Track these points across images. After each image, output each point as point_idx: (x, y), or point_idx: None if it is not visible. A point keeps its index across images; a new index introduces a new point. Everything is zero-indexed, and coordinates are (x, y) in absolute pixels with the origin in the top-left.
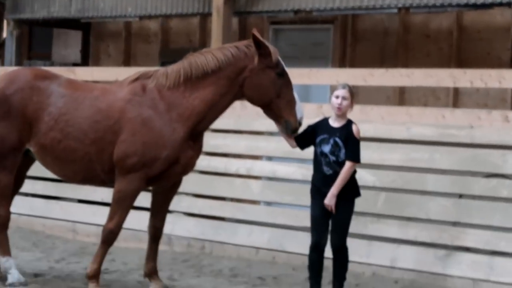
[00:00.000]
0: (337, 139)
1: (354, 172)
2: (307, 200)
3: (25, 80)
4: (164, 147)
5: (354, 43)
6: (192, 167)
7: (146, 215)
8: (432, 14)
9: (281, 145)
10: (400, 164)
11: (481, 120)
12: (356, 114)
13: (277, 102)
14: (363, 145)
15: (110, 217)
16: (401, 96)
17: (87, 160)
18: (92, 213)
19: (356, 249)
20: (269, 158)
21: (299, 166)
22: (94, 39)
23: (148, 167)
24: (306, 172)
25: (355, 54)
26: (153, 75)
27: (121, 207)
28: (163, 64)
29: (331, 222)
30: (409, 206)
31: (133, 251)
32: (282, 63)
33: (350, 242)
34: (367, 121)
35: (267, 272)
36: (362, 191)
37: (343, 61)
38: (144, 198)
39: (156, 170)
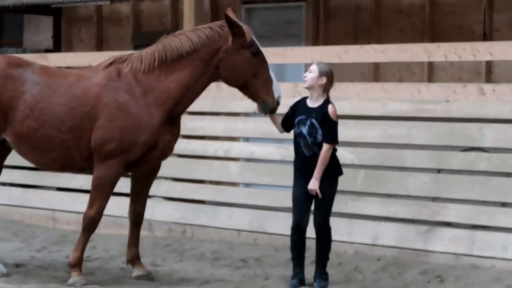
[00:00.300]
0: (313, 120)
1: (335, 150)
2: (286, 180)
3: None
4: (141, 131)
5: (327, 20)
6: (171, 151)
7: (126, 201)
8: None
9: (258, 125)
10: (378, 141)
11: (456, 94)
12: (332, 91)
13: (253, 82)
14: (340, 123)
15: (90, 204)
16: (376, 72)
17: (64, 148)
18: (72, 200)
19: (337, 228)
20: (246, 139)
21: (277, 146)
22: (66, 24)
23: (127, 153)
24: (285, 152)
25: (328, 31)
26: (127, 59)
27: (101, 194)
28: (136, 47)
29: (314, 202)
30: (388, 182)
31: (114, 237)
32: (257, 42)
33: (331, 221)
34: (343, 98)
35: (249, 254)
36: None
37: (316, 39)
38: (124, 184)
39: (135, 155)
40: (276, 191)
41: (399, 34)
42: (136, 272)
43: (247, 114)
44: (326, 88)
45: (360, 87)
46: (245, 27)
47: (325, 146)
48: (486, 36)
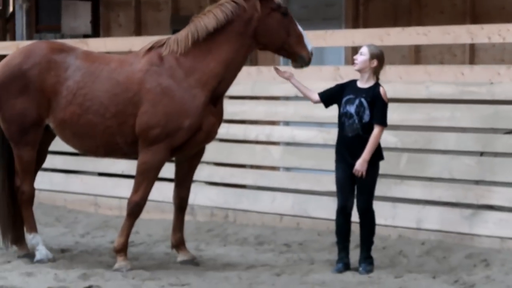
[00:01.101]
0: (363, 100)
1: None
2: (328, 164)
3: (41, 54)
4: (186, 115)
5: (367, 2)
6: (215, 134)
7: (168, 186)
8: None
9: (300, 109)
10: (421, 124)
11: (500, 76)
12: None
13: (288, 41)
14: None
15: (135, 190)
16: (417, 55)
17: (108, 134)
18: (113, 185)
19: (381, 212)
20: (287, 123)
21: (319, 130)
22: (104, 9)
23: (172, 137)
24: (327, 136)
25: (368, 13)
26: (165, 43)
27: (146, 179)
28: (174, 31)
29: (356, 186)
30: (432, 166)
31: (157, 222)
32: (282, 2)
33: (375, 205)
34: (385, 81)
35: (293, 238)
36: (384, 153)
37: (356, 21)
38: (165, 169)
39: (180, 140)
40: (318, 175)
41: (439, 15)
42: (181, 257)
43: (287, 98)
44: (376, 71)
45: (402, 69)
46: None
47: (377, 128)
48: None
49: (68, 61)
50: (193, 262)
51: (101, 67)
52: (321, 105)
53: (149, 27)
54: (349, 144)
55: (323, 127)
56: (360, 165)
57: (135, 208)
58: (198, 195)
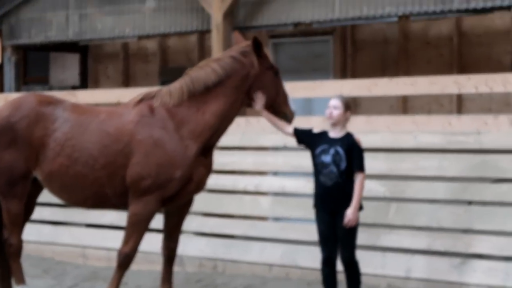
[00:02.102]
0: (339, 148)
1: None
2: None
3: (30, 106)
4: (178, 166)
5: (355, 53)
6: (204, 184)
7: (156, 237)
8: (432, 21)
9: (288, 159)
10: (409, 173)
11: (488, 125)
12: (362, 124)
13: (277, 100)
14: (371, 156)
15: (126, 241)
16: (405, 105)
17: (97, 185)
18: (102, 237)
19: (370, 261)
20: (275, 173)
21: (308, 180)
22: (92, 61)
23: (163, 188)
24: None
25: (356, 64)
26: (156, 95)
27: (136, 230)
28: (163, 83)
29: (340, 237)
30: (420, 215)
31: (145, 273)
32: (274, 63)
33: (364, 254)
34: (374, 131)
35: None
36: (373, 202)
37: (344, 72)
38: (154, 219)
39: (171, 190)
40: (307, 224)
41: (427, 65)
42: None
43: (276, 148)
44: (348, 120)
45: (390, 119)
46: (265, 48)
47: (360, 175)
48: None
49: (56, 113)
50: None
51: (90, 118)
52: (309, 155)
53: (137, 79)
54: (329, 193)
55: (312, 177)
56: (352, 214)
57: (125, 260)
58: (187, 246)
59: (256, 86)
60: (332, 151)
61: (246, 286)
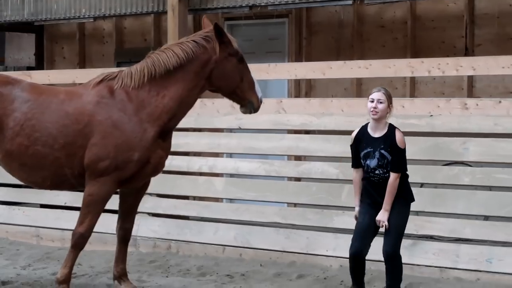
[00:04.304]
0: (383, 152)
1: (407, 176)
2: (271, 195)
3: None
4: (135, 148)
5: (310, 36)
6: (163, 167)
7: (111, 218)
8: (386, 5)
9: (243, 141)
10: None
11: (440, 108)
12: (316, 107)
13: (241, 86)
14: (325, 138)
15: (81, 221)
16: (359, 88)
17: (56, 165)
18: (56, 217)
19: (322, 242)
20: (230, 155)
21: (262, 162)
22: (48, 42)
23: (121, 170)
24: (269, 167)
25: (311, 47)
26: (117, 76)
27: (92, 211)
28: (119, 64)
29: (385, 229)
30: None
31: (99, 254)
32: (239, 49)
33: (317, 236)
34: (328, 113)
35: (235, 269)
36: (325, 184)
37: (299, 55)
38: (109, 201)
39: (128, 172)
40: (261, 206)
41: (381, 49)
42: None
43: (231, 130)
44: (391, 114)
45: (344, 102)
46: (230, 36)
47: (393, 176)
48: (468, 51)
49: (14, 93)
50: None
51: (50, 98)
52: (264, 137)
53: (93, 60)
54: (377, 188)
55: (265, 158)
56: (381, 215)
57: (80, 240)
58: (141, 227)
59: (217, 72)
60: (377, 154)
61: (199, 266)
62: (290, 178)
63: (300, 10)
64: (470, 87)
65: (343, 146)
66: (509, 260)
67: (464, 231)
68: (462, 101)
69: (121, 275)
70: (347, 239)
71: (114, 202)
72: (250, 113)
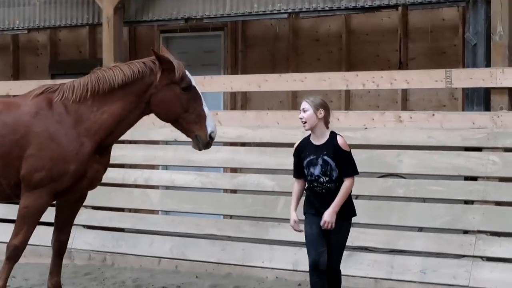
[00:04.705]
0: (326, 157)
1: (350, 191)
2: (206, 207)
3: None
4: (72, 161)
5: (245, 49)
6: (99, 181)
7: (45, 230)
8: (321, 19)
9: (178, 153)
10: None
11: (374, 121)
12: (252, 119)
13: (185, 117)
14: (260, 151)
15: (16, 233)
16: (294, 100)
17: None
18: None
19: (258, 254)
20: (165, 167)
21: (198, 174)
22: None
23: (56, 182)
24: (205, 179)
25: (247, 60)
26: (59, 89)
27: (27, 223)
28: (53, 76)
29: (328, 244)
30: None
31: (33, 266)
32: (190, 77)
33: (252, 248)
34: (263, 126)
35: (171, 281)
36: (261, 196)
37: (235, 68)
38: (45, 213)
39: (64, 185)
40: (197, 218)
41: (316, 62)
42: None
43: (166, 142)
44: (326, 120)
45: (279, 115)
46: (175, 62)
47: (348, 180)
48: (402, 64)
49: None
50: None
51: None
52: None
53: (27, 72)
54: (320, 199)
55: (201, 170)
56: (329, 215)
57: (14, 252)
58: (76, 239)
59: (155, 98)
60: (320, 161)
61: (134, 279)
62: (226, 190)
63: (235, 23)
64: (404, 100)
65: (279, 158)
66: (442, 271)
67: (398, 242)
68: (396, 114)
69: (55, 287)
70: (283, 251)
71: (49, 215)
72: (199, 149)
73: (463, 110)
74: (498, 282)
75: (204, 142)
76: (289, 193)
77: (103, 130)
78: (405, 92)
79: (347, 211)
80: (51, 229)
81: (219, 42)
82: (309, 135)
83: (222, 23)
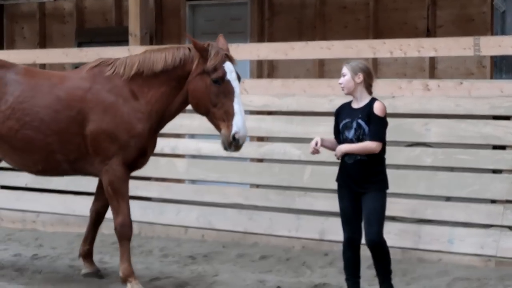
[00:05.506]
0: (360, 121)
1: (383, 162)
2: (233, 176)
3: None
4: (132, 128)
5: (272, 17)
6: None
7: (72, 199)
8: None
9: (205, 122)
10: (324, 137)
11: (402, 89)
12: (278, 88)
13: (214, 112)
14: (286, 119)
15: (116, 212)
16: (321, 68)
17: (48, 151)
18: (16, 199)
19: (285, 223)
20: (192, 136)
21: None
22: (8, 21)
23: (124, 150)
24: None
25: (273, 28)
26: (112, 63)
27: (119, 196)
28: (79, 44)
29: (364, 217)
30: (334, 178)
31: (61, 235)
32: (226, 69)
33: (279, 217)
34: (290, 94)
35: (197, 250)
36: (288, 165)
37: (261, 35)
38: (70, 182)
39: (131, 154)
40: (223, 187)
41: (343, 30)
42: (85, 269)
43: (192, 111)
44: (367, 85)
45: (306, 83)
46: (214, 51)
47: (372, 142)
48: (430, 32)
49: (7, 77)
50: (97, 275)
51: (42, 82)
52: None
53: (54, 40)
54: (350, 172)
55: None
56: (339, 150)
57: (123, 230)
58: None
59: (189, 86)
60: (354, 124)
61: (161, 248)
62: (252, 159)
63: None
64: (432, 69)
65: (305, 127)
66: (470, 240)
67: (425, 212)
68: (423, 82)
69: (86, 255)
70: (309, 220)
71: (75, 183)
72: (224, 149)
73: (491, 78)
74: None
75: (226, 142)
76: (315, 162)
77: (154, 113)
78: (432, 60)
79: (379, 183)
80: (78, 198)
81: (245, 9)
82: (352, 100)
83: None
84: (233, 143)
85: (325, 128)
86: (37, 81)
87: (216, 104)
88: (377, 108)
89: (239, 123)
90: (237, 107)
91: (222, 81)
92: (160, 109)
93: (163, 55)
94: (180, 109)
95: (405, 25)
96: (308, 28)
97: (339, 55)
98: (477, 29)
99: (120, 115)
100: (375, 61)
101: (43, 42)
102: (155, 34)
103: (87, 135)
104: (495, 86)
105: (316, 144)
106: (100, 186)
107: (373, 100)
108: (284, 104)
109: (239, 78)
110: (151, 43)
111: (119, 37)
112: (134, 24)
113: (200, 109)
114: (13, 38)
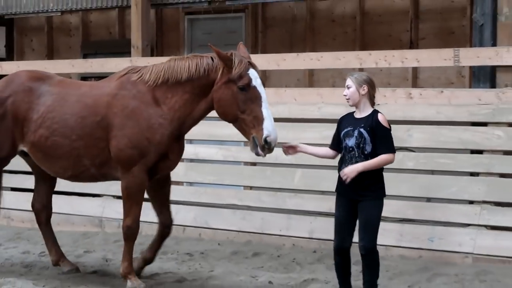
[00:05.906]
0: (361, 130)
1: (382, 169)
2: (227, 179)
3: (19, 82)
4: (154, 133)
5: (265, 30)
6: (176, 164)
7: (78, 200)
8: (336, 0)
9: (203, 128)
10: (314, 142)
11: (386, 98)
12: (271, 96)
13: (243, 118)
14: (278, 126)
15: (126, 214)
16: (311, 78)
17: (75, 156)
18: (26, 200)
19: (276, 223)
20: (190, 141)
21: (220, 147)
22: (18, 34)
23: (144, 156)
24: (227, 152)
25: (266, 40)
26: (139, 71)
27: (133, 202)
28: (85, 56)
29: (359, 223)
30: (323, 181)
31: (67, 234)
32: (252, 76)
33: (270, 217)
34: (281, 102)
35: (195, 248)
36: (279, 169)
37: (255, 47)
38: (77, 184)
39: (151, 160)
40: (219, 189)
41: (332, 42)
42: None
43: None
44: (371, 96)
45: (297, 92)
46: (237, 59)
47: (387, 154)
48: (413, 44)
49: (42, 88)
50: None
51: (71, 91)
52: (222, 124)
53: (60, 52)
54: (350, 181)
55: (223, 144)
56: (350, 170)
57: (129, 232)
58: (107, 209)
59: (215, 95)
60: (355, 133)
61: None
62: (246, 163)
63: (256, 5)
64: (415, 78)
65: (296, 133)
66: (449, 238)
67: (407, 212)
68: (407, 91)
69: (148, 260)
70: (299, 220)
71: (81, 186)
72: (256, 153)
73: (470, 87)
74: (501, 249)
75: (259, 146)
76: (305, 166)
77: (176, 119)
78: (415, 70)
79: (377, 191)
80: (83, 199)
81: (240, 23)
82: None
83: (243, 5)
84: (265, 147)
85: (314, 134)
86: (68, 91)
87: (244, 110)
88: (383, 121)
89: (270, 127)
90: (266, 111)
91: (248, 88)
92: (182, 115)
93: (187, 64)
94: (203, 115)
95: (389, 37)
96: (299, 40)
97: (328, 66)
98: (457, 41)
99: (140, 121)
100: (361, 70)
101: (51, 54)
102: (156, 46)
103: (111, 140)
104: (473, 95)
105: (288, 146)
106: (155, 202)
107: (375, 111)
108: (276, 112)
109: (263, 84)
110: (152, 55)
111: (122, 49)
112: (136, 37)
113: (227, 117)
114: (23, 50)
